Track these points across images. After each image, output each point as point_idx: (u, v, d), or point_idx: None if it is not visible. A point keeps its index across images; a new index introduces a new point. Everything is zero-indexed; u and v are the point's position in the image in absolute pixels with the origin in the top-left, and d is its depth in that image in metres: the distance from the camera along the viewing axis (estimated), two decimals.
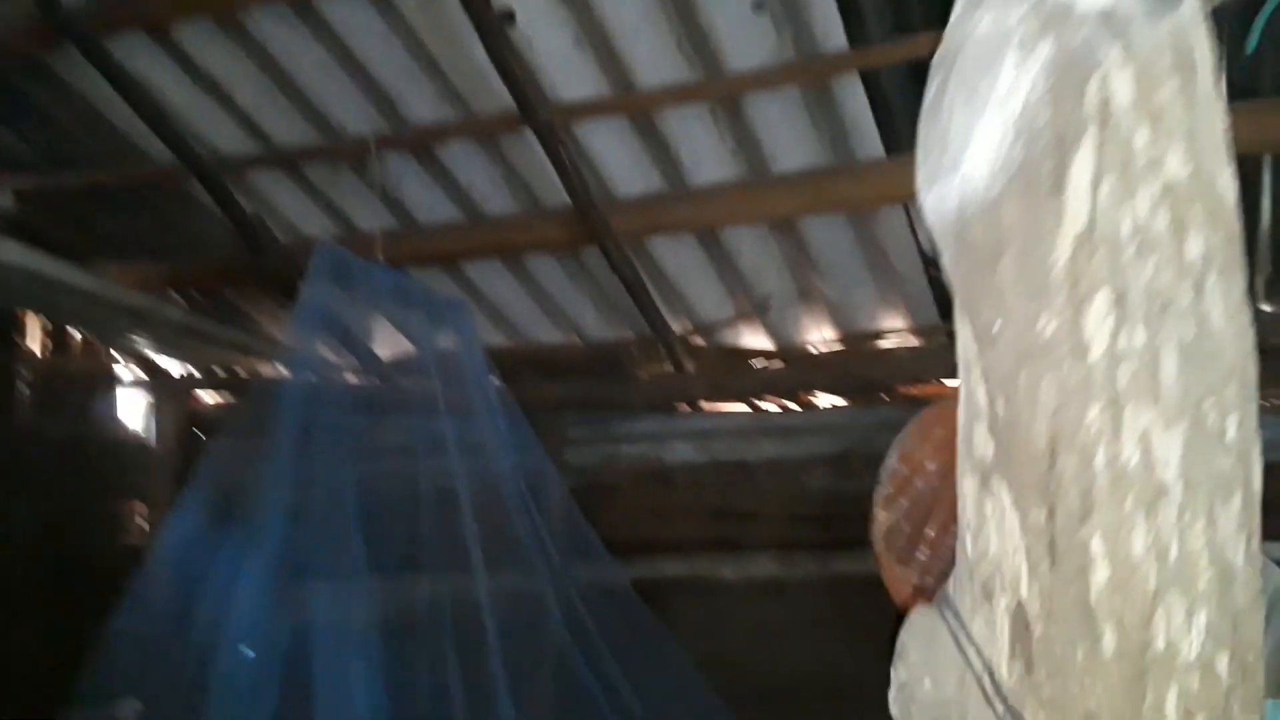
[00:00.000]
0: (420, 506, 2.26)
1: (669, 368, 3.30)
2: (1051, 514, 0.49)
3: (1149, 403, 0.48)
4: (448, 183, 2.88)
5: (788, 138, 2.48)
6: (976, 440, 0.53)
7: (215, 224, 3.06)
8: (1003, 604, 0.52)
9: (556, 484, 2.65)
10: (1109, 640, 0.47)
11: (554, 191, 2.74)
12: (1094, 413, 0.49)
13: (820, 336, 3.13)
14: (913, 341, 3.01)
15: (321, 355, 2.50)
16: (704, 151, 2.58)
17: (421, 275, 3.00)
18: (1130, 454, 0.48)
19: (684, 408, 3.39)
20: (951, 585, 0.56)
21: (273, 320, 3.67)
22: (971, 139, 0.51)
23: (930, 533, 2.97)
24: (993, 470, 0.53)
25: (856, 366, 2.93)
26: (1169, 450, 0.48)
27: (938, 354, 2.91)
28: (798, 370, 3.06)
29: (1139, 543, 0.47)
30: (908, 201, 2.59)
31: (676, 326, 3.17)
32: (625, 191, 2.74)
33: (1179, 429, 0.48)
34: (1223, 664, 0.47)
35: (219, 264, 3.24)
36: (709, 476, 3.28)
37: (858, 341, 3.04)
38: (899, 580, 2.79)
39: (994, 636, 0.52)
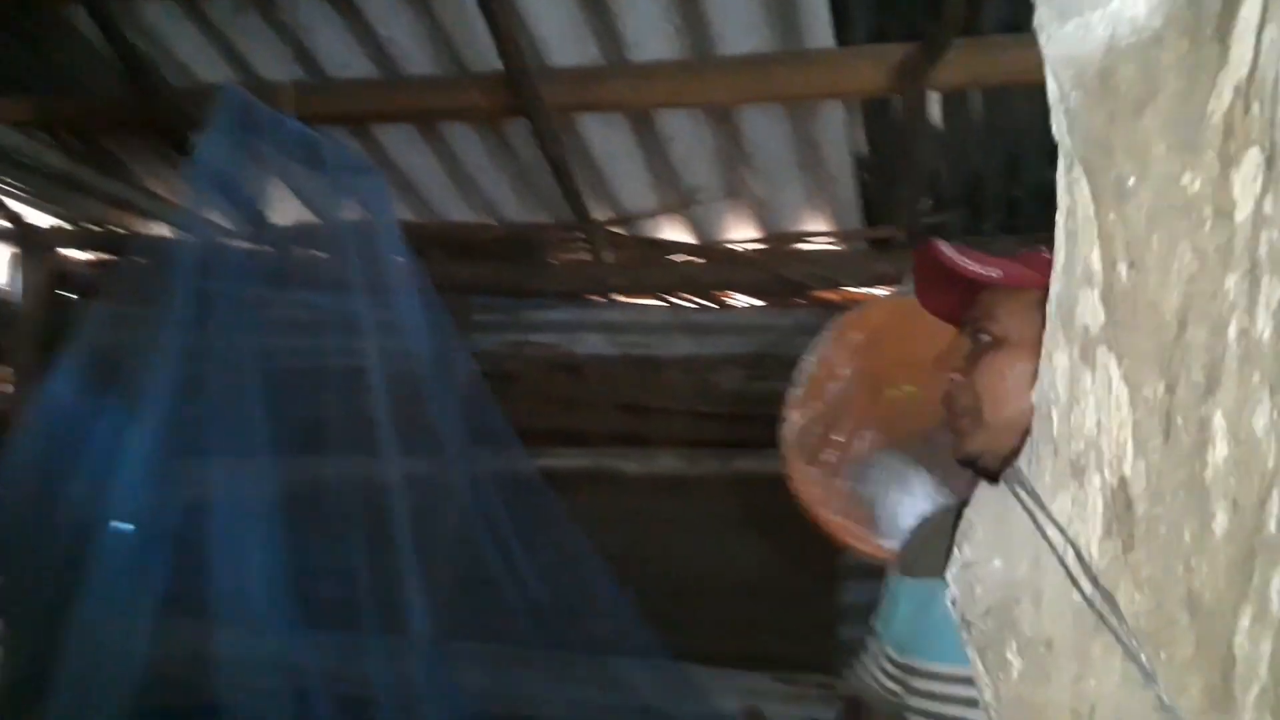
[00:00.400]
0: (326, 385, 2.14)
1: (585, 256, 3.22)
2: (1171, 388, 0.46)
3: None
4: (365, 34, 2.65)
5: (737, 19, 2.37)
6: (1081, 310, 0.49)
7: (97, 60, 2.76)
8: (1096, 482, 0.49)
9: (467, 369, 2.55)
10: (1221, 520, 0.45)
11: (482, 55, 2.57)
12: (1232, 281, 0.45)
13: (742, 235, 3.09)
14: (833, 246, 3.01)
15: (217, 215, 2.31)
16: (647, 26, 2.45)
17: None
18: (1263, 327, 0.45)
19: (597, 299, 3.33)
20: (1024, 463, 0.52)
21: (151, 174, 3.38)
22: None
23: (839, 436, 3.02)
24: (1099, 342, 0.49)
25: (777, 267, 2.91)
26: None
27: (857, 260, 2.92)
28: (718, 267, 3.02)
29: (1261, 420, 0.45)
30: (851, 97, 2.55)
31: (598, 214, 3.08)
32: (559, 61, 2.59)
33: None
34: None
35: (99, 105, 2.94)
36: (619, 370, 3.24)
37: (779, 242, 3.02)
38: (806, 480, 2.84)
39: (1084, 516, 0.49)
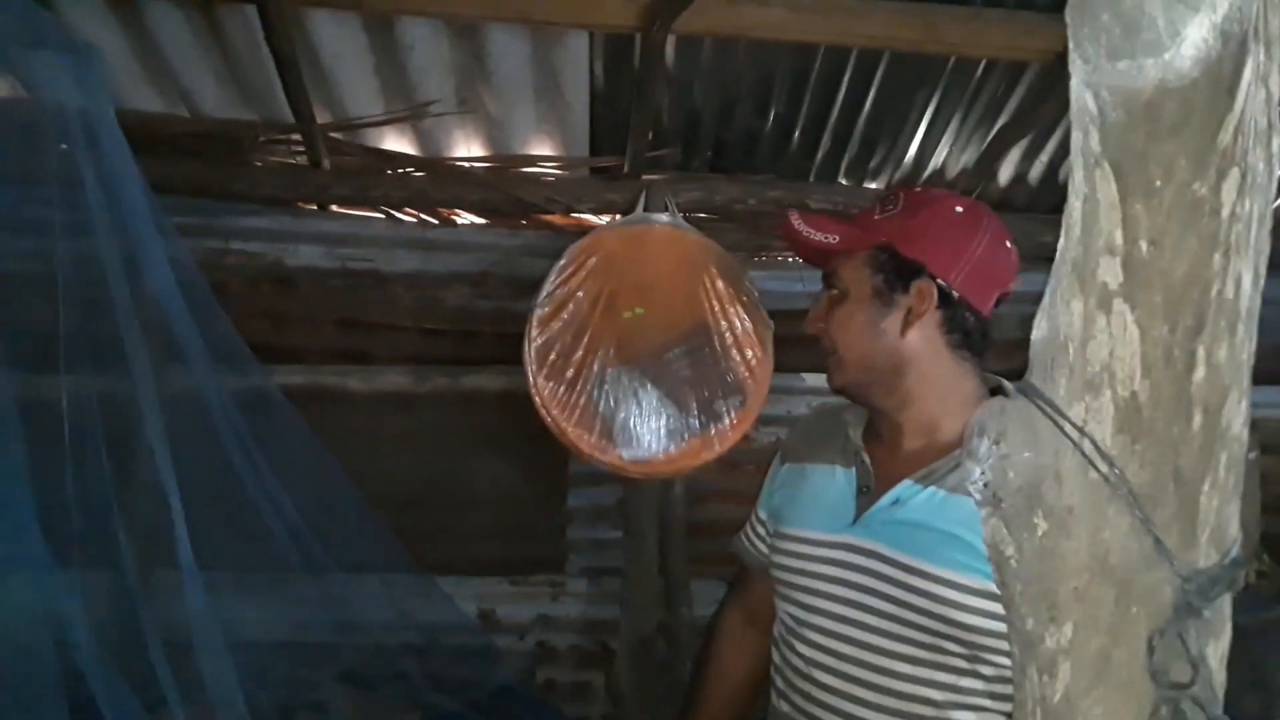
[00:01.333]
0: (52, 294, 1.86)
1: (301, 161, 3.02)
2: (1173, 330, 0.67)
3: (1244, 253, 0.67)
4: None
5: None
6: (1102, 269, 0.68)
7: None
8: (1108, 395, 0.69)
9: (195, 277, 2.33)
10: (1197, 419, 0.67)
11: None
12: (1217, 257, 0.66)
13: (468, 151, 3.09)
14: (559, 171, 3.12)
15: None
16: None
17: None
18: (1230, 290, 0.67)
19: (310, 207, 3.14)
20: (1038, 380, 0.71)
21: None
22: (1182, 28, 0.63)
23: (578, 354, 3.19)
24: (1117, 295, 0.68)
25: (511, 188, 2.97)
26: (1246, 286, 0.68)
27: (591, 187, 3.06)
28: (449, 183, 3.00)
29: (1223, 353, 0.67)
30: (598, 29, 2.64)
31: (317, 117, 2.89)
32: None
33: (1250, 273, 0.68)
34: (1245, 436, 0.69)
35: None
36: (337, 284, 3.12)
37: (508, 163, 3.07)
38: (546, 394, 3.07)
39: (1099, 419, 0.69)
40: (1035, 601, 0.71)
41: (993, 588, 1.10)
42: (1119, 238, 0.68)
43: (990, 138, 2.94)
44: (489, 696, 2.69)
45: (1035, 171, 3.08)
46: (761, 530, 1.59)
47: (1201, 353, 0.67)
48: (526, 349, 2.75)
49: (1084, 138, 0.70)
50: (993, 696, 1.21)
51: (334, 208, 3.11)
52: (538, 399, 2.74)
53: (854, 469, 1.41)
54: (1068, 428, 0.69)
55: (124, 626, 1.87)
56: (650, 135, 3.07)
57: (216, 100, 2.90)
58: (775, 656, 1.47)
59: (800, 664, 1.36)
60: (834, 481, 1.41)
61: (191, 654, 1.90)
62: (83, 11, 2.56)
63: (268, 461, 2.24)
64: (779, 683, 1.43)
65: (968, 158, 3.07)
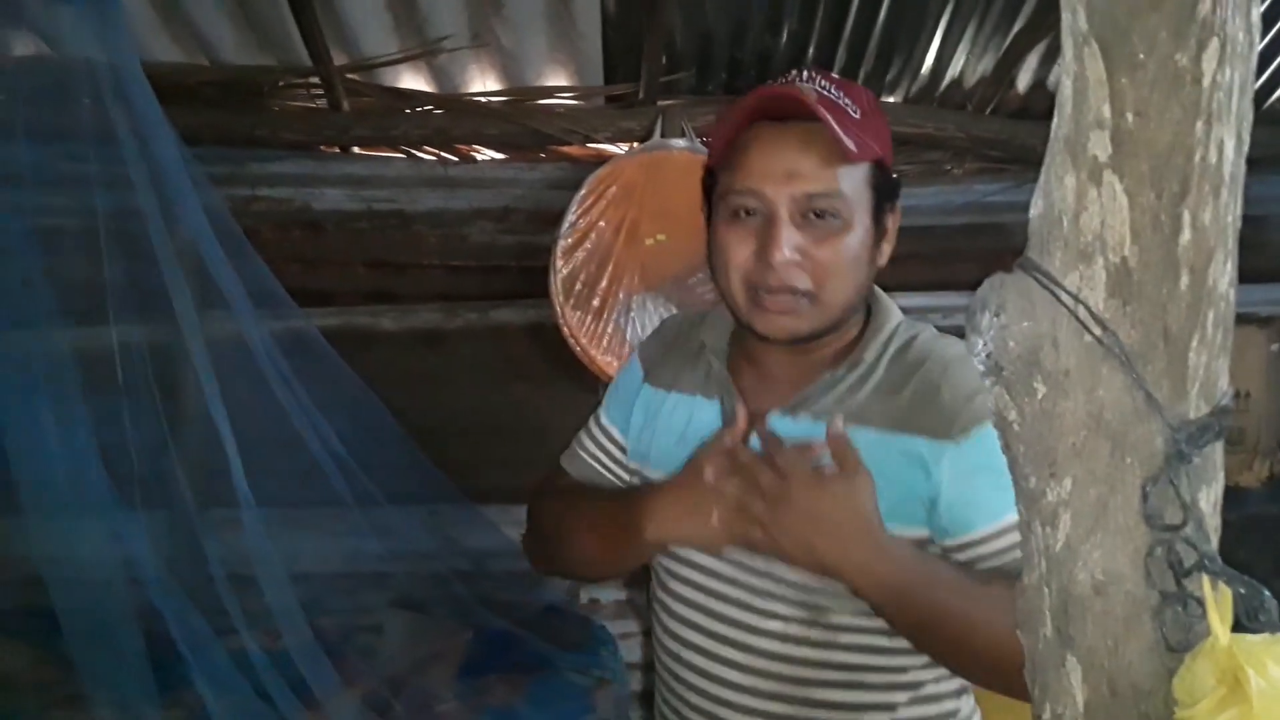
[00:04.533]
0: (95, 247, 1.93)
1: (321, 104, 3.06)
2: (1159, 196, 0.71)
3: (1226, 120, 0.71)
4: None
5: None
6: (1092, 143, 0.72)
7: None
8: (1101, 263, 0.73)
9: (228, 225, 2.39)
10: (1184, 280, 0.71)
11: None
12: (1199, 125, 0.70)
13: (484, 86, 3.11)
14: (575, 101, 3.13)
15: None
16: None
17: None
18: (1212, 155, 0.71)
19: (331, 150, 3.19)
20: (1036, 255, 0.76)
21: None
22: None
23: (603, 283, 3.24)
24: (1106, 167, 0.72)
25: (528, 121, 2.99)
26: (1229, 152, 0.71)
27: (607, 116, 3.08)
28: (467, 120, 3.03)
29: (1208, 215, 0.71)
30: None
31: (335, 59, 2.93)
32: None
33: (1232, 139, 0.71)
34: (1232, 295, 0.73)
35: None
36: (364, 226, 3.18)
37: (524, 96, 3.09)
38: (574, 324, 3.12)
39: (1091, 285, 0.73)
40: (1037, 460, 0.77)
41: None
42: (1107, 111, 0.72)
43: (1007, 44, 2.91)
44: (537, 615, 2.81)
45: (1054, 76, 3.05)
46: (615, 451, 1.39)
47: (1187, 216, 0.71)
48: (552, 280, 2.82)
49: (1073, 17, 0.73)
50: (860, 649, 1.18)
51: (355, 149, 3.15)
52: (565, 329, 2.81)
53: (718, 401, 1.25)
54: (1064, 296, 0.74)
55: (187, 562, 1.99)
56: (664, 60, 3.07)
57: (235, 47, 2.94)
58: (652, 610, 1.37)
59: (672, 624, 1.29)
60: (696, 416, 1.27)
61: (251, 586, 2.01)
62: None
63: (312, 400, 2.33)
64: (656, 644, 1.36)
65: (985, 65, 3.04)
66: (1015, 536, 0.93)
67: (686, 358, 1.36)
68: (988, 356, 0.78)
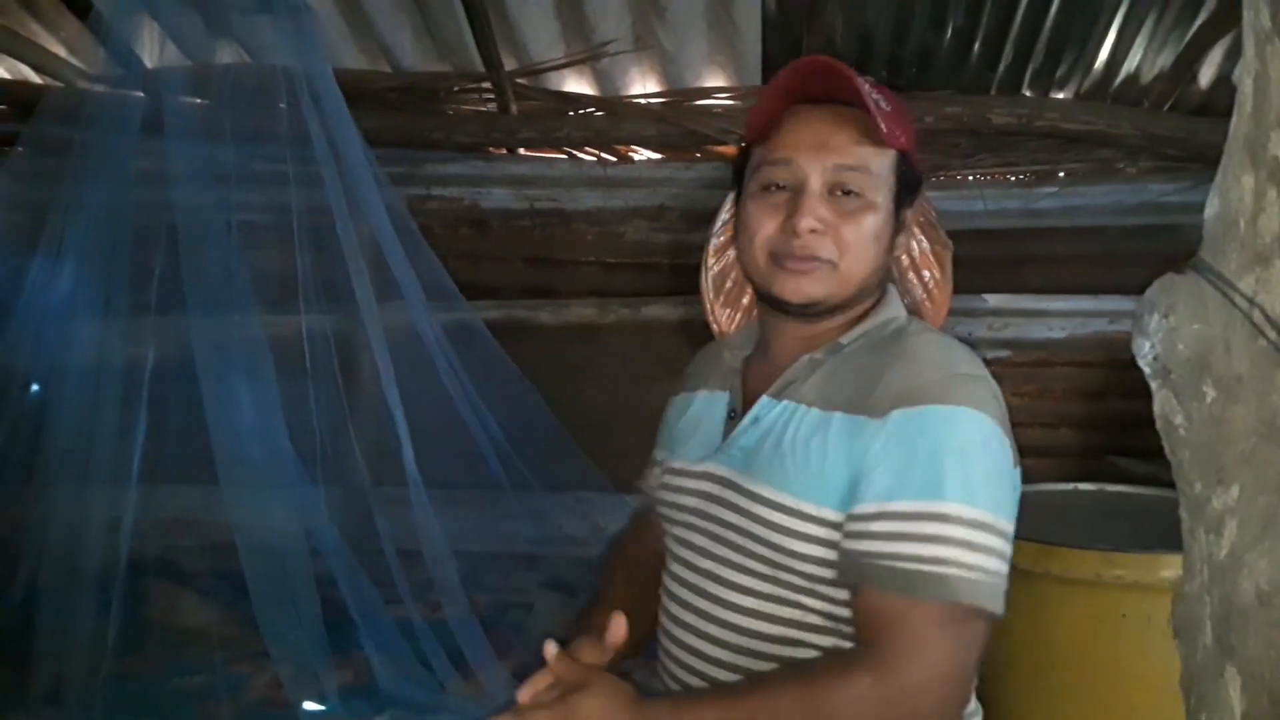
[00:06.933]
0: (295, 239, 2.12)
1: (486, 107, 3.22)
2: None
3: None
4: None
5: None
6: (1272, 143, 0.70)
7: None
8: (1278, 266, 0.71)
9: (406, 222, 2.56)
10: None
11: None
12: None
13: (644, 88, 3.19)
14: (733, 102, 3.16)
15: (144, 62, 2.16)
16: None
17: None
18: None
19: (499, 151, 3.35)
20: (1210, 257, 0.74)
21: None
22: None
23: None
24: None
25: (680, 121, 3.05)
26: None
27: None
28: (627, 121, 3.11)
29: None
30: None
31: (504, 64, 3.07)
32: None
33: None
34: None
35: None
36: (526, 224, 3.32)
37: (682, 97, 3.15)
38: (723, 321, 3.13)
39: (1268, 289, 0.71)
40: (1203, 466, 0.75)
41: (829, 513, 1.07)
42: None
43: (1189, 37, 2.75)
44: None
45: (1239, 72, 2.85)
46: (657, 469, 1.44)
47: None
48: (703, 278, 2.84)
49: (1255, 14, 0.71)
50: (828, 631, 1.14)
51: (520, 151, 3.29)
52: (715, 326, 2.83)
53: (728, 391, 1.30)
54: (1238, 299, 0.72)
55: (360, 535, 2.14)
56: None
57: (414, 54, 3.12)
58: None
59: (666, 600, 1.30)
60: (710, 407, 1.32)
61: (417, 560, 2.14)
62: None
63: (475, 389, 2.47)
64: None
65: (1164, 60, 2.88)
66: (903, 526, 0.97)
67: (709, 358, 1.44)
68: (1155, 359, 0.77)
